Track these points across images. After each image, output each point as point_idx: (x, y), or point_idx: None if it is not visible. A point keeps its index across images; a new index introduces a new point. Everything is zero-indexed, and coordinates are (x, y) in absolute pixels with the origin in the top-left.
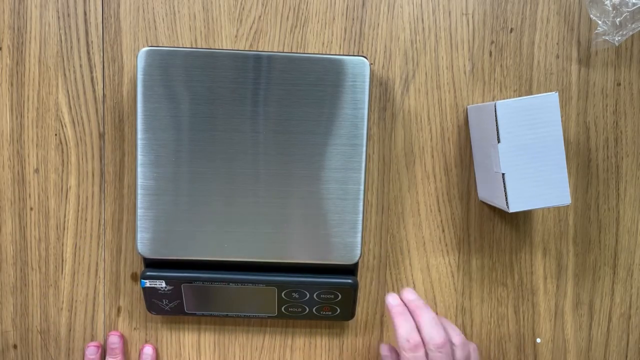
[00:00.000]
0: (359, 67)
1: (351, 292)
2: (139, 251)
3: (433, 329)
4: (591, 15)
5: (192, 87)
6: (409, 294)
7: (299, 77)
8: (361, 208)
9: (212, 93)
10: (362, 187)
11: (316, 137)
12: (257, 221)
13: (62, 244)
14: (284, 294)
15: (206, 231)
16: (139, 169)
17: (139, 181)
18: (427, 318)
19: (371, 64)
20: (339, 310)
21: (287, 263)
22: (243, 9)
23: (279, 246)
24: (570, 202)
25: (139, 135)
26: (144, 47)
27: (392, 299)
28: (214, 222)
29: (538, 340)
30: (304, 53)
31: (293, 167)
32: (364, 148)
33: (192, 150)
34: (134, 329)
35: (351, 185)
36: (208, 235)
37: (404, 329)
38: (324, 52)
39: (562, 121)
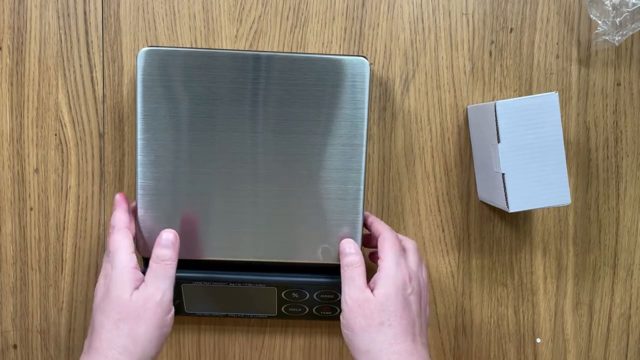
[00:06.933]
0: (359, 67)
1: None
2: (139, 251)
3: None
4: (591, 15)
5: (192, 87)
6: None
7: (298, 77)
8: (361, 208)
9: (211, 93)
10: (362, 187)
11: (316, 137)
12: (257, 221)
13: (62, 244)
14: (284, 294)
15: (206, 231)
16: (139, 169)
17: (139, 181)
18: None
19: (371, 64)
20: (339, 310)
21: (287, 263)
22: (243, 9)
23: (279, 246)
24: (570, 202)
25: (139, 135)
26: (143, 47)
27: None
28: (214, 222)
29: (538, 340)
30: (304, 53)
31: (293, 167)
32: (364, 148)
33: (192, 150)
34: None
35: (351, 185)
36: (208, 235)
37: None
38: (323, 52)
39: (562, 121)
